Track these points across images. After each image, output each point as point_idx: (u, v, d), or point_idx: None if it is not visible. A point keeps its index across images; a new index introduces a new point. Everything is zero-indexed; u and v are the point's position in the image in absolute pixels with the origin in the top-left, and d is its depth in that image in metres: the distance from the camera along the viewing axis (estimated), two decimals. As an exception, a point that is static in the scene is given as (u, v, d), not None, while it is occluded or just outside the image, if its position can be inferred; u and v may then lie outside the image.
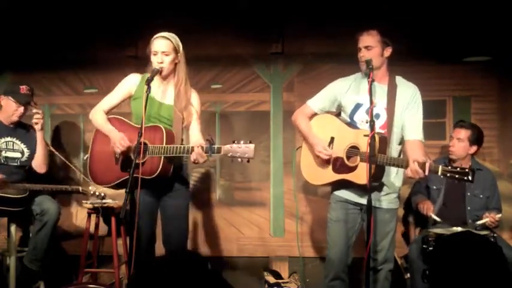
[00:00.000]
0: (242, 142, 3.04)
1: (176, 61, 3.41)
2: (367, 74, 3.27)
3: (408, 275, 4.03)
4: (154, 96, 3.40)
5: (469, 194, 4.00)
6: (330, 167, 3.41)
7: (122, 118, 3.47)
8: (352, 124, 3.41)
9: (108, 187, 3.51)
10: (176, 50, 3.37)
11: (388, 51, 3.40)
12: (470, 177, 2.89)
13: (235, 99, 4.75)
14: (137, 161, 3.08)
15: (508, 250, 3.66)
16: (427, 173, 3.01)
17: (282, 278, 4.45)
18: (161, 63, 3.34)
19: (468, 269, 1.85)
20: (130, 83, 3.49)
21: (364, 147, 3.19)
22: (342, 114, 3.49)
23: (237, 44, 4.70)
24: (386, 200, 3.40)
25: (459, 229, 3.66)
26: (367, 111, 3.31)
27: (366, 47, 3.34)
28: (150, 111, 3.37)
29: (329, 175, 3.41)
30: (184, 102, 3.39)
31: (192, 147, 3.16)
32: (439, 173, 2.97)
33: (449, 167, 2.97)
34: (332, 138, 3.40)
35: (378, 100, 3.33)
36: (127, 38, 4.78)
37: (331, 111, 3.53)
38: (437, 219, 3.86)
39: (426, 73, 4.52)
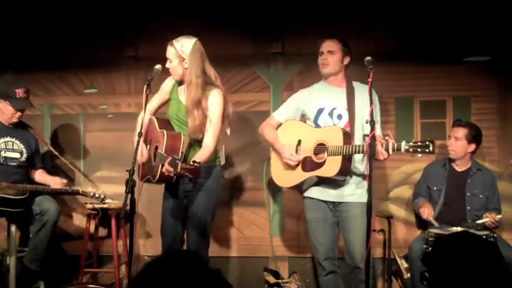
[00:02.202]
0: (195, 162, 3.03)
1: (184, 66, 3.47)
2: (326, 77, 3.62)
3: (408, 275, 4.04)
4: (179, 97, 3.57)
5: (468, 194, 4.01)
6: (299, 167, 3.58)
7: (155, 120, 3.62)
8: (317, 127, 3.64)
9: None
10: (180, 57, 3.46)
11: (346, 60, 3.63)
12: (431, 149, 3.09)
13: (235, 99, 4.74)
14: (138, 164, 3.31)
15: (507, 250, 3.68)
16: (390, 152, 3.21)
17: (282, 278, 4.45)
18: (169, 68, 3.52)
19: (466, 269, 1.84)
20: (167, 86, 3.66)
21: (330, 142, 3.43)
22: (307, 121, 3.69)
23: (237, 44, 4.69)
24: (356, 195, 3.53)
25: (459, 229, 3.67)
26: (329, 113, 3.59)
27: (329, 51, 3.59)
28: (175, 113, 3.56)
29: (299, 175, 3.59)
30: (193, 105, 3.41)
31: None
32: (402, 150, 3.17)
33: (411, 142, 3.16)
34: (299, 141, 3.60)
35: (339, 103, 3.57)
36: (127, 38, 4.78)
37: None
38: (436, 224, 3.89)
39: (426, 73, 4.52)
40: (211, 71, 3.52)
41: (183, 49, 3.45)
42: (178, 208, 3.63)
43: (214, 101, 3.44)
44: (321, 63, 3.62)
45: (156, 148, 3.50)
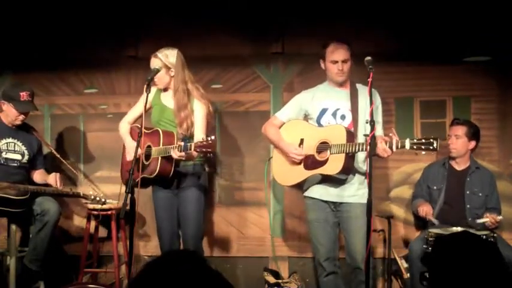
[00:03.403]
0: (208, 138, 3.30)
1: (171, 74, 3.74)
2: (340, 83, 3.61)
3: (408, 275, 4.04)
4: (164, 102, 3.80)
5: (468, 192, 4.02)
6: (302, 165, 3.60)
7: (138, 126, 3.75)
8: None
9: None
10: (167, 66, 3.71)
11: (352, 63, 3.64)
12: (435, 146, 3.11)
13: (235, 99, 4.75)
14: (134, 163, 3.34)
15: (507, 250, 3.68)
16: (394, 149, 3.22)
17: (282, 278, 4.45)
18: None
19: (466, 269, 1.85)
20: (148, 97, 3.79)
21: (333, 140, 3.44)
22: (309, 120, 3.71)
23: (237, 44, 4.69)
24: (357, 195, 3.54)
25: (459, 229, 3.68)
26: (333, 114, 3.60)
27: (344, 61, 3.58)
28: (161, 117, 3.79)
29: (301, 173, 3.61)
30: (182, 112, 3.68)
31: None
32: (407, 147, 3.17)
33: (415, 140, 3.17)
34: (302, 140, 3.62)
35: (343, 104, 3.60)
36: (127, 38, 4.78)
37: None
38: (435, 222, 3.90)
39: (426, 73, 4.52)
40: (189, 77, 3.77)
41: (168, 59, 3.71)
42: (171, 207, 3.80)
43: (200, 109, 3.72)
44: (336, 72, 3.58)
45: (149, 147, 3.68)
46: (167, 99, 3.80)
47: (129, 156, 3.80)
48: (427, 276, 3.58)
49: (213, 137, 3.30)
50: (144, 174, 3.63)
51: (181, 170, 3.71)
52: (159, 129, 3.69)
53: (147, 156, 3.69)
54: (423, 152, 3.15)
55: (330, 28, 4.37)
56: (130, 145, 3.83)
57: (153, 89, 3.82)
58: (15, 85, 4.20)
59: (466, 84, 4.52)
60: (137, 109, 3.87)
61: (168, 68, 3.72)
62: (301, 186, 3.70)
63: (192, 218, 3.73)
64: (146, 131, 3.73)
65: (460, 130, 4.02)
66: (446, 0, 4.40)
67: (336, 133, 3.46)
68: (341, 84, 3.64)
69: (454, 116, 4.41)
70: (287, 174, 3.71)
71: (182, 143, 3.36)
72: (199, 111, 3.71)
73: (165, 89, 3.82)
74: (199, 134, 3.64)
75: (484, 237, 3.57)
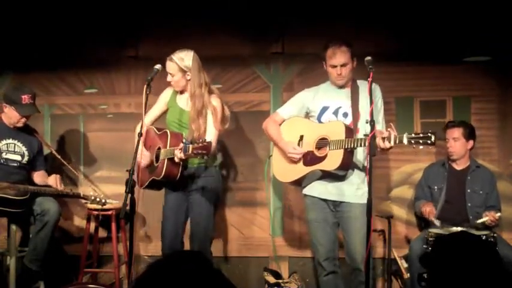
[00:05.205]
0: (202, 140, 3.27)
1: (187, 78, 3.66)
2: (336, 81, 3.59)
3: (408, 275, 4.05)
4: (179, 104, 3.77)
5: (469, 190, 4.05)
6: (301, 162, 3.60)
7: (153, 128, 3.81)
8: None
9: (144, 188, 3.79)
10: (183, 70, 3.64)
11: (354, 63, 3.60)
12: (433, 140, 3.08)
13: (235, 99, 4.75)
14: (136, 163, 3.38)
15: (507, 250, 3.68)
16: (392, 143, 3.17)
17: (282, 278, 4.45)
18: (170, 81, 3.71)
19: (464, 269, 1.85)
20: (165, 96, 3.84)
21: (332, 136, 3.45)
22: (311, 118, 3.70)
23: (237, 44, 4.69)
24: (357, 195, 3.53)
25: (459, 229, 3.68)
26: (334, 112, 3.60)
27: (343, 65, 3.54)
28: (174, 118, 3.76)
29: (300, 169, 3.61)
30: (196, 113, 3.62)
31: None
32: (405, 142, 3.14)
33: (413, 134, 3.15)
34: (301, 136, 3.62)
35: (344, 102, 3.59)
36: (127, 38, 4.78)
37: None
38: (437, 223, 3.91)
39: (426, 73, 4.52)
40: (204, 80, 3.70)
41: (184, 62, 3.64)
42: (178, 209, 3.77)
43: (217, 107, 3.66)
44: (335, 77, 3.57)
45: (159, 148, 3.66)
46: (182, 102, 3.76)
47: (143, 161, 3.70)
48: (425, 277, 3.58)
49: (208, 139, 3.28)
50: (153, 176, 3.65)
51: (190, 172, 3.68)
52: (167, 130, 3.68)
53: (158, 158, 3.67)
54: (421, 147, 3.12)
55: (330, 28, 4.37)
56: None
57: (170, 91, 3.81)
58: (16, 88, 4.18)
59: (466, 84, 4.52)
60: (154, 110, 3.85)
61: (184, 72, 3.66)
62: (300, 184, 3.70)
63: (201, 221, 3.71)
64: (158, 133, 3.75)
65: (457, 132, 4.04)
66: (446, 0, 4.41)
67: (335, 129, 3.46)
68: (342, 85, 3.64)
69: (454, 116, 4.42)
70: (286, 170, 3.71)
71: (182, 145, 3.34)
72: (210, 116, 3.66)
73: (182, 91, 3.77)
74: (208, 139, 3.55)
75: (484, 237, 3.57)
